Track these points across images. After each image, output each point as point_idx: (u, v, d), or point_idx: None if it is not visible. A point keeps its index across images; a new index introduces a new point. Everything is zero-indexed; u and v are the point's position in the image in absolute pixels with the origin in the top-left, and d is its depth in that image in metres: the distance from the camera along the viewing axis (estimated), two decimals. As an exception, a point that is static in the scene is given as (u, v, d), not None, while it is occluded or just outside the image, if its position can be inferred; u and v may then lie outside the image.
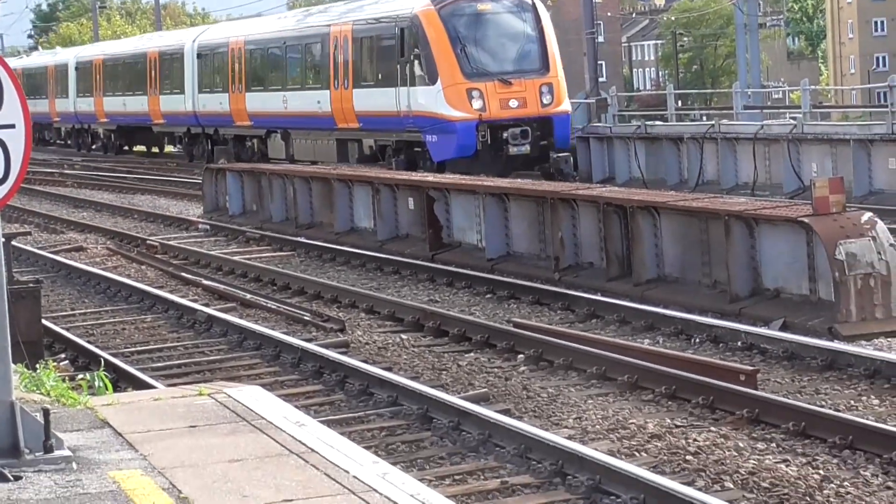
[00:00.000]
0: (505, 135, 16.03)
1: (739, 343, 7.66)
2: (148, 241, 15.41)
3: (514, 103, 16.24)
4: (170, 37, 31.64)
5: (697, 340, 7.94)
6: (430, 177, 14.87)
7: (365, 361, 7.54)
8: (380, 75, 18.04)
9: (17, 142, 3.46)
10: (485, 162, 16.04)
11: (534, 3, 17.83)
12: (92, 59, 32.93)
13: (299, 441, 3.99)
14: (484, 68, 16.53)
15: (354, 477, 3.31)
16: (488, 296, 10.44)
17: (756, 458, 5.10)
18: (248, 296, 11.22)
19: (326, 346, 8.03)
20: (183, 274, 12.70)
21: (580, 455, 4.70)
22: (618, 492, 4.30)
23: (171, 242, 15.54)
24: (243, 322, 9.32)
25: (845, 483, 4.60)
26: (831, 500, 4.33)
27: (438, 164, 16.55)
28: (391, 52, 17.67)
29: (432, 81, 16.25)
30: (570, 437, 5.32)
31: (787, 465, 4.96)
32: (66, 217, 19.94)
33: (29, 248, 14.66)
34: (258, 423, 4.36)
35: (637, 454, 5.22)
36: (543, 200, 11.28)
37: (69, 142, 37.30)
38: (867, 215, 8.35)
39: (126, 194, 24.08)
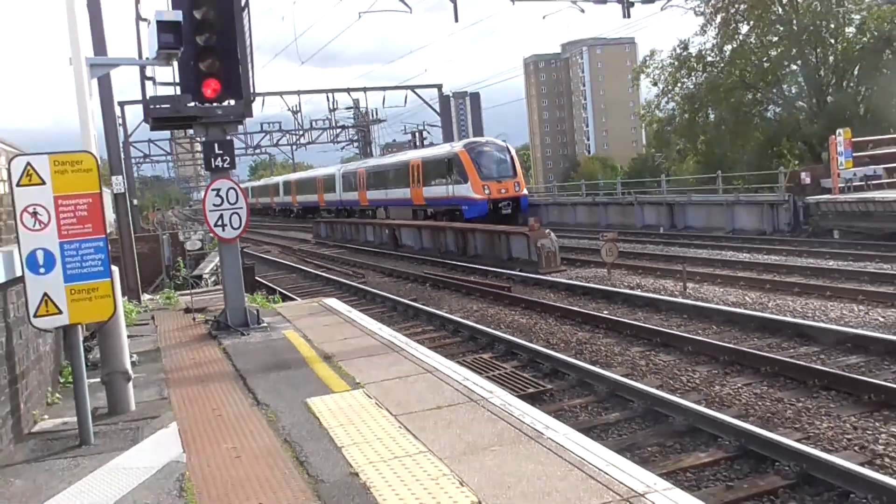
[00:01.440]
0: (500, 205, 29.13)
1: (505, 277, 18.57)
2: (293, 248, 31.84)
3: (503, 191, 29.56)
4: (325, 171, 56.34)
5: (492, 276, 18.99)
6: (393, 221, 33.36)
7: (373, 288, 19.47)
8: (434, 181, 32.51)
9: (243, 213, 9.99)
10: (490, 217, 28.42)
11: (507, 145, 32.79)
12: (290, 179, 65.20)
13: (349, 317, 10.19)
14: (489, 175, 29.82)
15: (368, 327, 9.41)
16: (415, 263, 23.41)
17: (511, 317, 13.67)
18: (330, 265, 25.18)
19: (358, 283, 20.31)
20: (306, 258, 26.81)
21: (453, 318, 16.79)
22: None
23: (302, 248, 31.75)
24: (328, 275, 22.15)
25: (541, 322, 15.88)
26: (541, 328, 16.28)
27: (468, 219, 28.53)
28: (443, 169, 31.61)
29: (465, 182, 29.61)
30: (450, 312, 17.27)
31: (525, 318, 13.18)
32: (264, 240, 41.13)
33: (249, 251, 29.69)
34: (334, 310, 10.82)
35: (471, 316, 16.76)
36: (438, 228, 25.49)
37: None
38: (548, 231, 19.67)
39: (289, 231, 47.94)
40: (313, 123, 61.46)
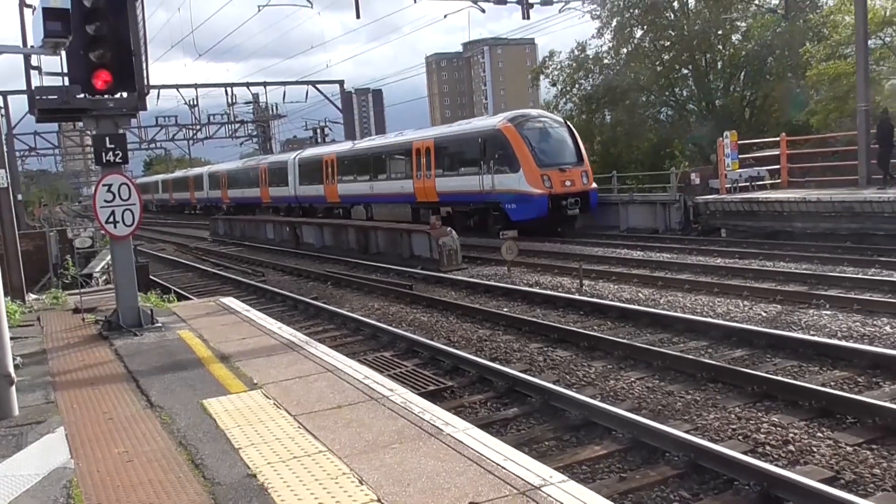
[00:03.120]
0: (564, 203, 23.38)
1: (407, 275, 18.63)
2: (190, 245, 31.05)
3: (568, 183, 23.68)
4: (273, 158, 48.09)
5: (393, 274, 18.98)
6: (293, 219, 31.81)
7: (273, 287, 19.25)
8: (457, 168, 26.34)
9: (136, 209, 9.40)
10: (550, 219, 23.80)
11: (564, 120, 26.97)
12: (219, 170, 55.05)
13: (247, 316, 10.08)
14: (549, 161, 23.75)
15: (267, 326, 9.28)
16: (316, 261, 23.21)
17: (413, 315, 14.34)
18: (228, 263, 24.58)
19: (258, 282, 19.93)
20: (203, 257, 26.08)
21: (352, 315, 16.70)
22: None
23: (199, 245, 30.83)
24: (226, 274, 21.65)
25: (443, 320, 16.23)
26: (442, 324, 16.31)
27: (515, 222, 23.00)
28: (473, 152, 25.42)
29: (514, 171, 23.58)
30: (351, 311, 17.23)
31: (426, 316, 13.41)
32: (159, 238, 39.89)
33: (143, 249, 28.56)
34: (232, 310, 10.67)
35: (373, 314, 16.33)
36: (340, 226, 25.92)
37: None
38: (448, 229, 19.80)
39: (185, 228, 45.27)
40: (211, 118, 60.00)
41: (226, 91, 52.09)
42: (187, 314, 10.68)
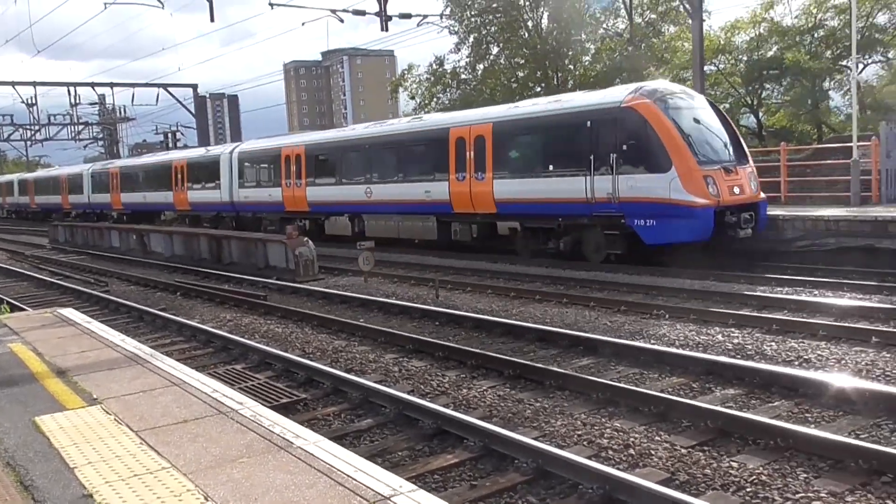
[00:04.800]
0: (734, 219, 16.27)
1: (261, 286, 18.13)
2: (25, 253, 29.09)
3: (736, 190, 16.65)
4: (187, 154, 39.45)
5: (247, 285, 18.49)
6: (140, 226, 29.20)
7: (118, 298, 17.64)
8: (550, 166, 18.57)
9: None
10: (716, 245, 16.79)
11: (712, 102, 19.58)
12: (111, 167, 45.08)
13: (88, 328, 9.57)
14: (710, 157, 16.67)
15: (110, 339, 8.82)
16: (165, 270, 22.55)
17: (267, 326, 16.33)
18: (69, 272, 23.29)
19: (101, 292, 18.67)
20: (40, 265, 24.58)
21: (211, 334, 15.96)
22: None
23: (36, 253, 29.23)
24: (66, 283, 20.33)
25: (298, 331, 15.88)
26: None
27: (652, 245, 16.88)
28: (575, 145, 17.90)
29: (661, 170, 16.20)
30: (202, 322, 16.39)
31: (281, 327, 15.77)
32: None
33: None
34: (71, 321, 10.14)
35: (225, 326, 15.05)
36: (191, 235, 27.63)
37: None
38: (306, 239, 19.56)
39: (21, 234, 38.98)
40: (52, 118, 56.65)
41: (69, 90, 49.45)
42: (20, 326, 10.01)
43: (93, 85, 50.29)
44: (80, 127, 58.22)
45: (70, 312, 11.26)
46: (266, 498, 4.05)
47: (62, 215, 49.01)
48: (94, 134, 60.08)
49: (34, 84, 47.78)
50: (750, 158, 18.23)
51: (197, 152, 38.06)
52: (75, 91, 49.79)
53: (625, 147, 16.87)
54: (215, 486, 4.24)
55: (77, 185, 47.07)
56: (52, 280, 21.11)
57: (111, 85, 50.07)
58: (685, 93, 18.69)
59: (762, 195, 17.86)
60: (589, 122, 17.62)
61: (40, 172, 62.44)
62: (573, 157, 18.05)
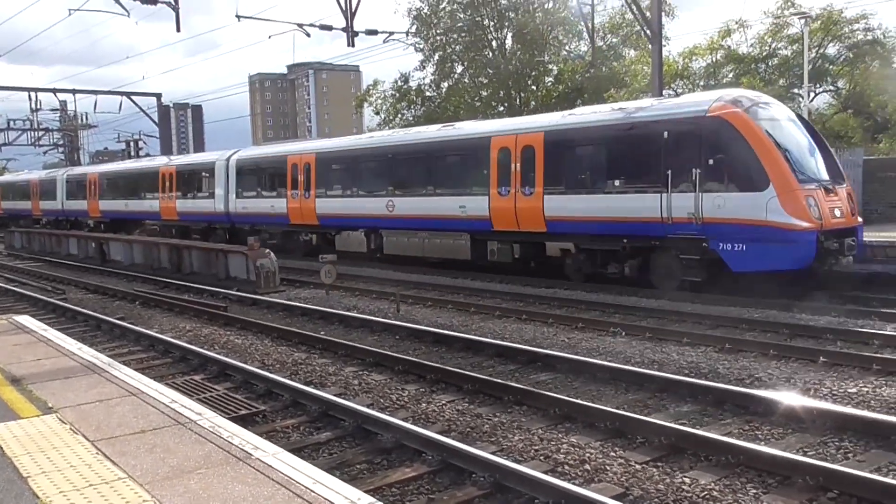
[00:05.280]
0: (835, 244, 14.27)
1: (222, 296, 17.92)
2: None
3: (837, 212, 14.69)
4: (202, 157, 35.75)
5: (207, 295, 18.25)
6: (100, 234, 29.19)
7: (75, 306, 17.02)
8: (616, 181, 16.51)
9: None
10: (815, 273, 14.75)
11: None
12: (87, 174, 41.71)
13: (44, 336, 9.46)
14: (809, 175, 14.70)
15: (66, 347, 8.73)
16: (124, 279, 22.38)
17: (227, 337, 16.00)
18: (25, 279, 22.77)
19: (58, 299, 18.24)
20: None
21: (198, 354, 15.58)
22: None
23: None
24: (22, 290, 19.89)
25: (257, 342, 15.08)
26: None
27: (739, 272, 14.85)
28: (647, 157, 15.80)
29: (757, 188, 14.20)
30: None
31: (241, 338, 15.64)
32: None
33: None
34: (27, 329, 10.03)
35: (184, 336, 15.88)
36: (151, 244, 27.70)
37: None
38: (267, 250, 19.45)
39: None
40: (11, 123, 55.57)
41: (29, 96, 48.47)
42: (-26, 334, 9.78)
43: (54, 91, 49.44)
44: (41, 133, 57.23)
45: (26, 320, 11.03)
46: (224, 509, 4.00)
47: (31, 222, 46.48)
48: (55, 140, 59.09)
49: (-7, 88, 46.95)
50: (846, 177, 16.31)
51: (188, 158, 35.46)
52: (36, 96, 48.84)
53: (711, 161, 14.79)
54: (172, 498, 4.18)
55: (49, 190, 44.21)
56: (8, 287, 20.66)
57: (73, 91, 49.23)
58: (773, 102, 16.68)
59: (859, 219, 15.92)
60: (665, 133, 15.43)
61: (7, 176, 58.36)
62: (645, 172, 15.94)
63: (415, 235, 21.13)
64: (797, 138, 15.55)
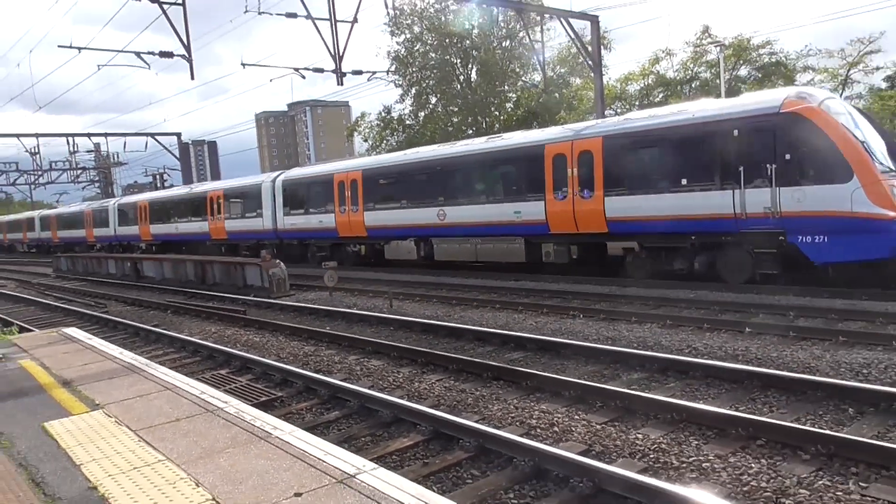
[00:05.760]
0: None
1: (241, 302, 17.66)
2: (32, 282, 27.62)
3: None
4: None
5: (228, 301, 18.06)
6: (134, 255, 31.56)
7: (115, 317, 17.82)
8: (683, 180, 14.66)
9: None
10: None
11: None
12: (137, 202, 39.48)
13: (90, 344, 9.24)
14: (885, 165, 13.10)
15: (109, 352, 8.51)
16: (157, 292, 21.91)
17: (246, 336, 15.63)
18: (71, 297, 22.48)
19: (100, 312, 18.38)
20: (45, 291, 23.60)
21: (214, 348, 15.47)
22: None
23: (42, 281, 27.81)
24: (69, 306, 19.76)
25: (273, 340, 15.36)
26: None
27: (822, 264, 13.29)
28: (716, 156, 14.10)
29: (840, 180, 12.59)
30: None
31: (259, 337, 15.56)
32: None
33: None
34: (74, 339, 9.78)
35: (210, 338, 16.06)
36: (178, 261, 26.06)
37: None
38: (277, 261, 19.31)
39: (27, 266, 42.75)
40: (52, 164, 54.91)
41: (67, 140, 47.90)
42: (28, 344, 9.62)
43: (89, 135, 48.95)
44: (79, 171, 56.57)
45: (73, 331, 10.87)
46: (249, 481, 3.97)
47: (86, 248, 44.59)
48: (91, 177, 58.41)
49: (36, 136, 46.29)
50: None
51: (234, 183, 32.94)
52: (73, 140, 48.31)
53: (787, 156, 13.21)
54: (205, 474, 4.15)
55: (102, 218, 42.26)
56: (57, 304, 20.38)
57: (105, 135, 48.73)
58: (835, 96, 15.37)
59: None
60: (736, 131, 13.85)
61: (62, 208, 55.81)
62: (714, 170, 14.29)
63: (466, 242, 19.48)
64: (867, 130, 13.77)
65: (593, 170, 16.26)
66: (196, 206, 33.24)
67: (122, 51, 21.78)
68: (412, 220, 21.03)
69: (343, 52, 19.97)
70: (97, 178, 58.62)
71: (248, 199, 29.16)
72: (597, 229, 16.38)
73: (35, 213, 58.09)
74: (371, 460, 5.26)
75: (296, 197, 26.48)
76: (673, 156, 15.10)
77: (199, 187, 35.42)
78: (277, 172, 28.91)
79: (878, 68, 36.04)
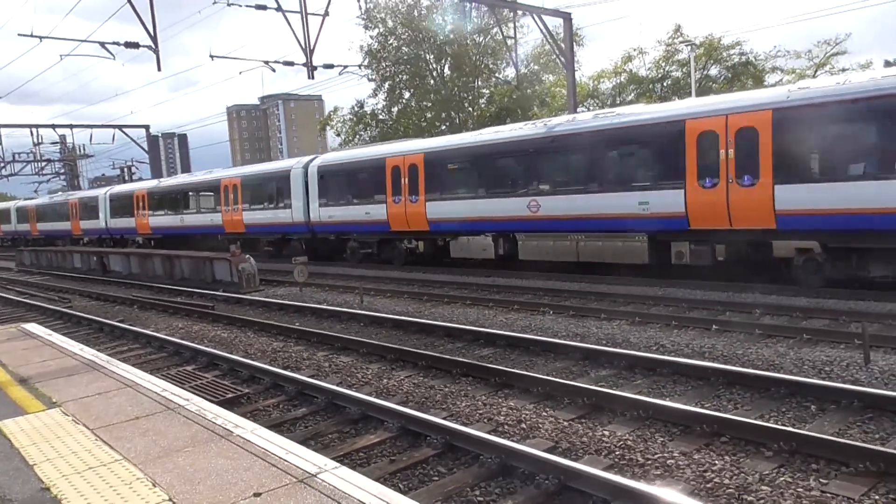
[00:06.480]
0: None
1: (209, 297, 17.44)
2: None
3: None
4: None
5: (197, 297, 17.70)
6: (100, 249, 30.12)
7: (79, 312, 17.23)
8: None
9: None
10: None
11: None
12: (134, 191, 35.95)
13: (49, 340, 9.12)
14: None
15: (69, 349, 8.41)
16: (123, 287, 21.62)
17: (214, 332, 15.27)
18: (34, 291, 21.95)
19: (64, 307, 17.73)
20: (7, 286, 23.07)
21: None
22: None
23: (3, 276, 27.47)
24: (32, 301, 19.22)
25: (241, 335, 15.28)
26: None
27: None
28: None
29: None
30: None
31: (227, 332, 15.47)
32: None
33: None
34: (34, 335, 9.68)
35: (177, 333, 15.63)
36: (145, 255, 25.47)
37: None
38: (248, 256, 19.06)
39: None
40: (16, 156, 53.66)
41: (31, 131, 46.86)
42: (-14, 341, 9.38)
43: (54, 126, 47.90)
44: (43, 164, 55.39)
45: (33, 327, 10.62)
46: (208, 481, 3.89)
47: (70, 243, 41.03)
48: (56, 169, 57.24)
49: (-2, 126, 45.36)
50: None
51: (255, 169, 28.92)
52: (37, 132, 47.21)
53: None
54: (162, 474, 4.05)
55: (91, 208, 38.74)
56: (19, 299, 19.93)
57: (70, 126, 47.82)
58: None
59: None
60: None
61: (41, 199, 50.92)
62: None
63: (565, 238, 16.24)
64: None
65: (758, 150, 12.98)
66: (206, 196, 29.56)
67: (85, 40, 21.35)
68: (492, 211, 17.69)
69: (314, 46, 19.79)
70: (62, 171, 57.46)
71: (273, 188, 25.50)
72: (760, 224, 13.10)
73: (10, 204, 54.70)
74: (337, 457, 5.21)
75: (335, 185, 22.75)
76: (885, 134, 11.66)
77: (210, 174, 31.37)
78: (310, 157, 25.34)
79: (843, 69, 36.67)
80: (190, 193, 31.25)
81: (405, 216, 20.20)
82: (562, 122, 17.08)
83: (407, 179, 20.01)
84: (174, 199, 32.34)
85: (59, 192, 52.29)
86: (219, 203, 28.31)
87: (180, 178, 34.67)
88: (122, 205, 35.48)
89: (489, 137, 18.39)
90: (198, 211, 30.34)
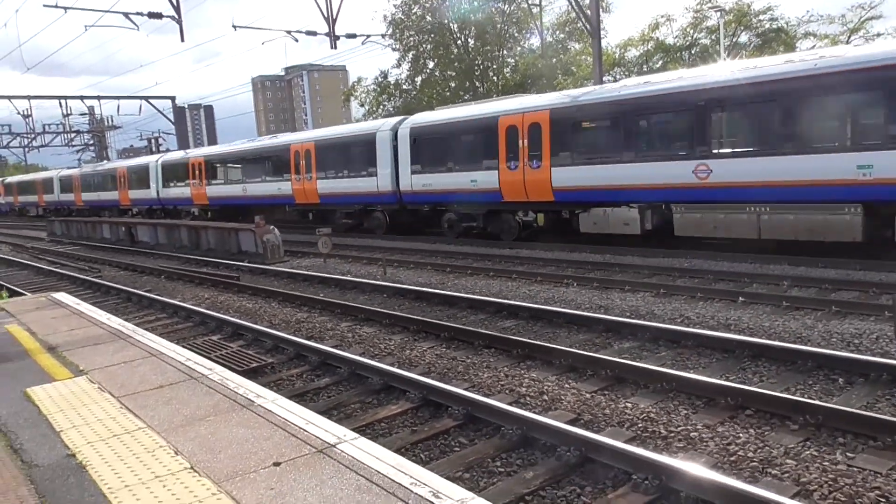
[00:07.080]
0: None
1: (235, 268, 17.59)
2: (26, 245, 27.18)
3: None
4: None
5: (223, 267, 17.97)
6: (128, 220, 30.78)
7: (109, 282, 17.78)
8: None
9: None
10: None
11: None
12: (189, 158, 33.31)
13: (77, 309, 9.14)
14: None
15: (97, 318, 8.44)
16: (151, 257, 21.83)
17: (240, 302, 15.69)
18: (65, 261, 22.39)
19: (93, 277, 18.19)
20: (39, 256, 23.46)
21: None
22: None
23: (36, 245, 27.48)
24: (62, 271, 19.61)
25: (266, 306, 15.45)
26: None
27: None
28: None
29: None
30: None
31: (252, 303, 15.71)
32: None
33: None
34: (62, 304, 9.67)
35: (203, 303, 16.07)
36: (172, 226, 25.41)
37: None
38: (272, 227, 19.05)
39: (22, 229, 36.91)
40: (46, 127, 54.31)
41: (60, 103, 47.36)
42: (16, 309, 9.54)
43: (82, 98, 48.29)
44: (73, 135, 56.05)
45: (62, 296, 10.78)
46: (228, 450, 3.91)
47: (119, 214, 39.05)
48: (85, 141, 57.90)
49: (28, 98, 45.72)
50: None
51: (332, 132, 25.96)
52: (66, 103, 47.74)
53: None
54: (184, 442, 4.08)
55: (141, 178, 36.38)
56: (50, 269, 20.29)
57: (98, 98, 48.28)
58: None
59: None
60: None
61: (88, 167, 48.16)
62: None
63: (741, 211, 13.60)
64: None
65: None
66: (273, 163, 26.97)
67: (109, 11, 21.35)
68: (641, 178, 15.09)
69: (336, 16, 19.60)
70: (91, 142, 58.08)
71: (354, 153, 23.09)
72: None
73: (54, 173, 52.39)
74: (359, 428, 5.22)
75: (431, 149, 20.23)
76: None
77: (277, 139, 28.84)
78: (398, 118, 23.07)
79: (878, 34, 35.56)
80: (254, 160, 28.45)
81: (523, 184, 17.51)
82: (733, 69, 14.16)
83: (527, 141, 17.26)
84: (235, 167, 29.67)
85: (105, 161, 51.70)
86: (288, 170, 25.84)
87: (243, 144, 31.12)
88: (176, 173, 33.09)
89: (640, 90, 15.36)
90: (263, 180, 27.64)
